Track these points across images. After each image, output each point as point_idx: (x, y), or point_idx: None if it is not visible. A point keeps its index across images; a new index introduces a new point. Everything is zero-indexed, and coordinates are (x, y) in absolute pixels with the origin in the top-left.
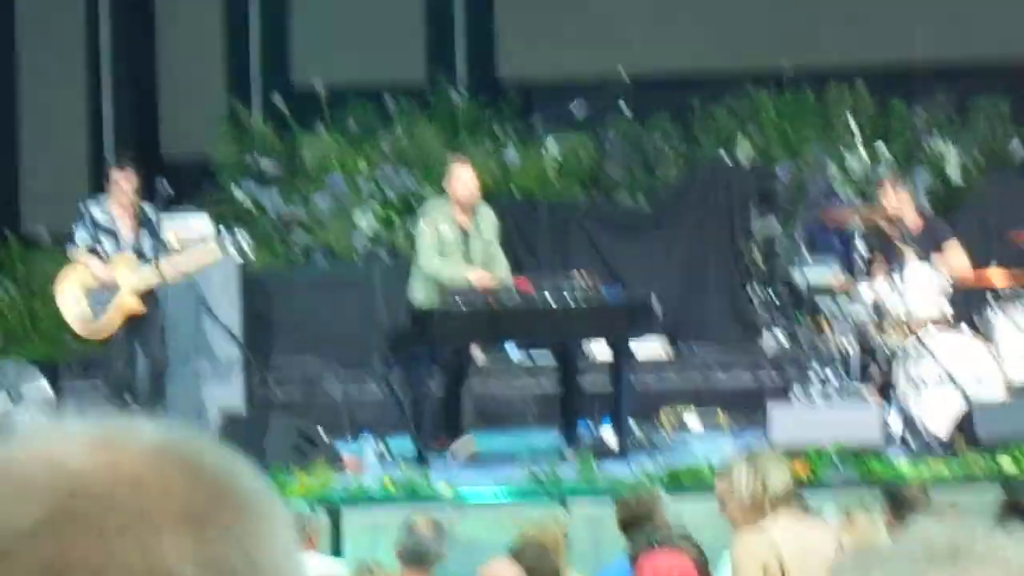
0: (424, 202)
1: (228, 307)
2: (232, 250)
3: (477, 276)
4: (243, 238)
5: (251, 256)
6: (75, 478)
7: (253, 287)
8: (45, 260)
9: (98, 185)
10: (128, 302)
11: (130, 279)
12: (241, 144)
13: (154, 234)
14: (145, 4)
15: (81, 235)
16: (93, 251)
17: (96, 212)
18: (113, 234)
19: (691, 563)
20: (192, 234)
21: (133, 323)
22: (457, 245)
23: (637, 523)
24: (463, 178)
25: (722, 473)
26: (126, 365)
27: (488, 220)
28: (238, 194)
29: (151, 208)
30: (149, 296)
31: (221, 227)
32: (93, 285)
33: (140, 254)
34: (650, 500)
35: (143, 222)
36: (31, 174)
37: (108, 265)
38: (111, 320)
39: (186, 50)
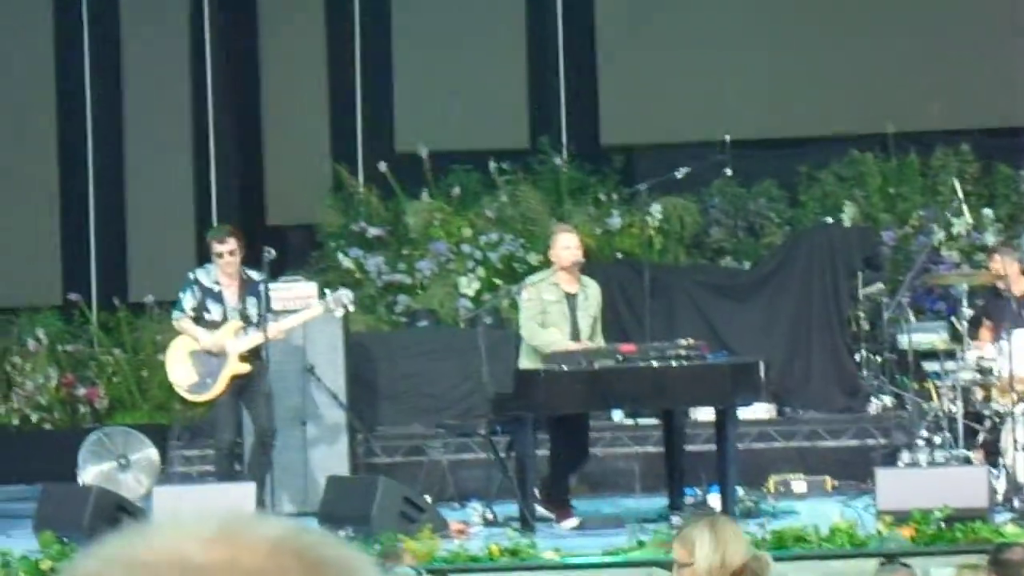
0: (527, 267)
1: (333, 372)
2: (335, 308)
3: (583, 346)
4: (346, 296)
5: (351, 309)
6: (200, 573)
7: (358, 351)
8: (152, 328)
9: (204, 255)
10: (234, 366)
11: (236, 344)
12: (346, 210)
13: (260, 297)
14: (252, 72)
15: (188, 302)
16: (199, 318)
17: (203, 279)
18: (220, 300)
19: None
20: (298, 301)
21: (240, 388)
22: (563, 313)
23: None
24: (567, 244)
25: (683, 539)
26: (234, 431)
27: (594, 295)
28: (344, 260)
29: (257, 272)
30: (256, 360)
31: (326, 289)
32: (200, 351)
33: (246, 319)
34: (756, 566)
35: (249, 287)
36: (138, 243)
37: (215, 331)
38: (218, 385)
39: (292, 118)
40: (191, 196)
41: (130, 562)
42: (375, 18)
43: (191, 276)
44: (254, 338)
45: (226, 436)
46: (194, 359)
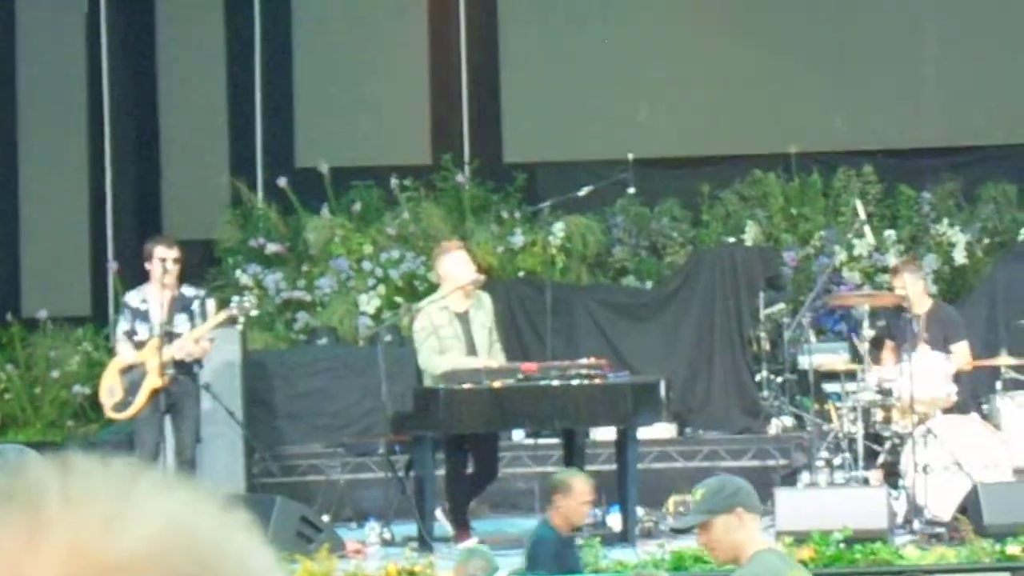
0: (428, 285)
1: (230, 389)
2: (240, 313)
3: (483, 363)
4: (249, 302)
5: (254, 314)
6: None
7: (255, 369)
8: (45, 344)
9: (99, 269)
10: (152, 381)
11: (154, 360)
12: (245, 226)
13: (192, 314)
14: (149, 84)
15: (120, 326)
16: (131, 336)
17: (131, 301)
18: (146, 319)
19: None
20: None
21: (168, 407)
22: (455, 336)
23: None
24: (457, 261)
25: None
26: (152, 452)
27: (484, 304)
28: (241, 276)
29: (193, 289)
30: (186, 380)
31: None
32: (126, 369)
33: (170, 335)
34: None
35: (179, 304)
36: (32, 258)
37: (138, 351)
38: (137, 401)
39: (190, 131)
40: (86, 211)
41: None
42: (275, 32)
43: (123, 300)
44: (170, 350)
45: (144, 455)
46: (122, 378)
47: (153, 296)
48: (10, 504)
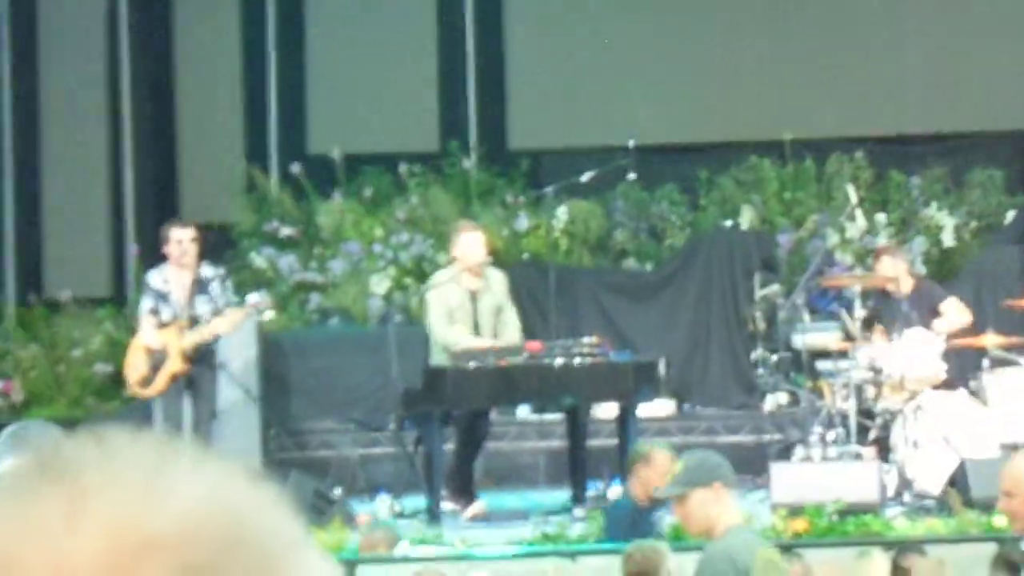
0: (437, 267)
1: (246, 367)
2: (253, 314)
3: (488, 343)
4: (263, 300)
5: (269, 316)
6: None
7: (270, 348)
8: (68, 324)
9: (119, 251)
10: (174, 365)
11: (176, 344)
12: (260, 211)
13: (210, 295)
14: (166, 73)
15: (144, 304)
16: (155, 314)
17: (153, 281)
18: (168, 301)
19: None
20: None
21: (188, 390)
22: (466, 312)
23: None
24: (471, 242)
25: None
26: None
27: (498, 282)
28: (256, 259)
29: (212, 269)
30: (204, 365)
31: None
32: (154, 348)
33: (193, 319)
34: (655, 556)
35: (200, 286)
36: (54, 240)
37: (160, 332)
38: (157, 382)
39: (207, 118)
40: (106, 195)
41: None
42: (289, 22)
43: (145, 279)
44: (192, 336)
45: (164, 430)
46: (147, 355)
47: (174, 277)
48: (50, 480)
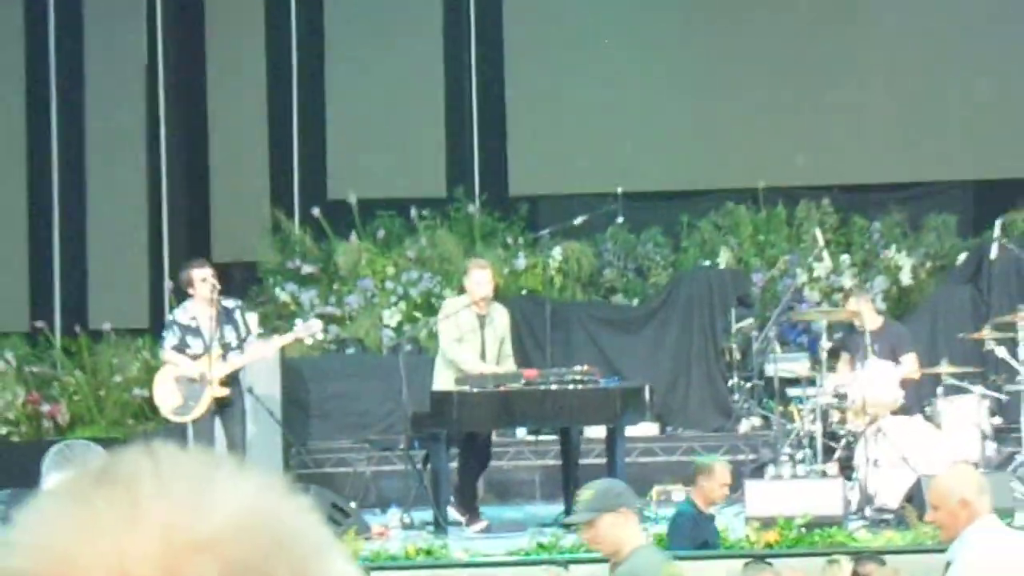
0: (443, 301)
1: (270, 392)
2: (307, 335)
3: (490, 369)
4: (316, 325)
5: (319, 338)
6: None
7: (292, 374)
8: (109, 352)
9: (157, 286)
10: (214, 390)
11: (215, 371)
12: (283, 251)
13: (236, 324)
14: (200, 125)
15: (168, 340)
16: (180, 351)
17: (181, 318)
18: (198, 334)
19: None
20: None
21: (219, 410)
22: (474, 333)
23: None
24: (480, 278)
25: None
26: (205, 443)
27: (501, 317)
28: (280, 294)
29: (231, 301)
30: (234, 385)
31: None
32: (183, 377)
33: (225, 346)
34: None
35: (224, 316)
36: (98, 277)
37: (196, 362)
38: (199, 407)
39: (235, 169)
40: (145, 236)
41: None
42: (310, 80)
43: (170, 318)
44: (233, 361)
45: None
46: (178, 384)
47: (200, 312)
48: (106, 487)
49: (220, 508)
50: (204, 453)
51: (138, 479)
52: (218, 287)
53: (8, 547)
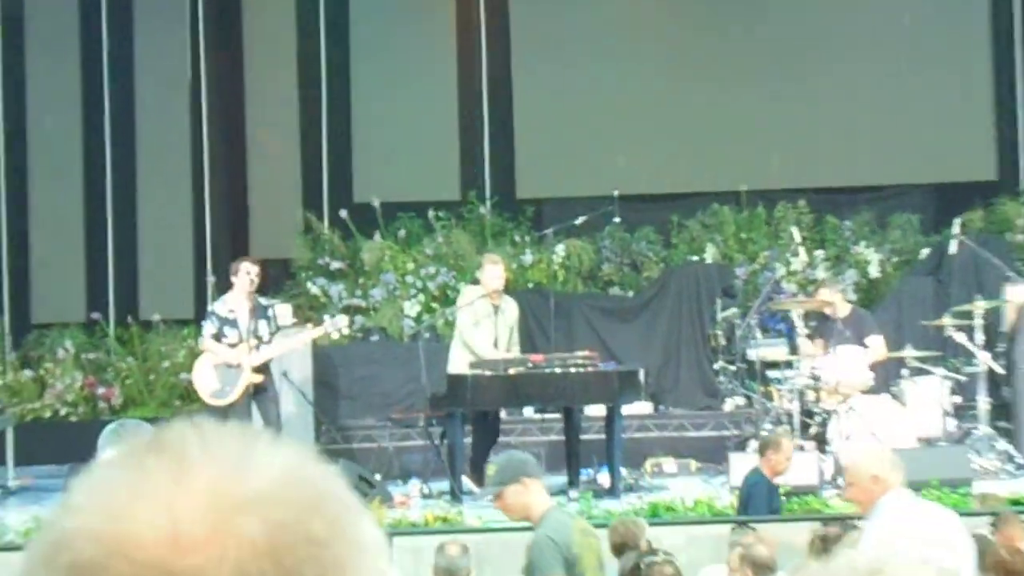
0: (458, 294)
1: (303, 376)
2: (332, 330)
3: (501, 355)
4: (342, 321)
5: (345, 332)
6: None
7: (323, 360)
8: (158, 341)
9: (201, 281)
10: (249, 376)
11: (251, 358)
12: (314, 249)
13: (269, 319)
14: (239, 135)
15: (207, 329)
16: (217, 340)
17: (219, 310)
18: (235, 325)
19: None
20: (279, 319)
21: (253, 394)
22: (489, 319)
23: (626, 548)
24: (493, 272)
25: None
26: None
27: (512, 309)
28: (312, 288)
29: (265, 299)
30: (266, 372)
31: (327, 315)
32: (221, 364)
33: (258, 338)
34: (636, 528)
35: (259, 312)
36: (148, 273)
37: (233, 350)
38: (236, 392)
39: (271, 175)
40: (190, 236)
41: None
42: (338, 96)
43: (210, 309)
44: (266, 352)
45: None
46: (216, 371)
47: (239, 305)
48: (155, 453)
49: (260, 472)
50: (242, 427)
51: (185, 447)
52: (256, 283)
53: (67, 509)
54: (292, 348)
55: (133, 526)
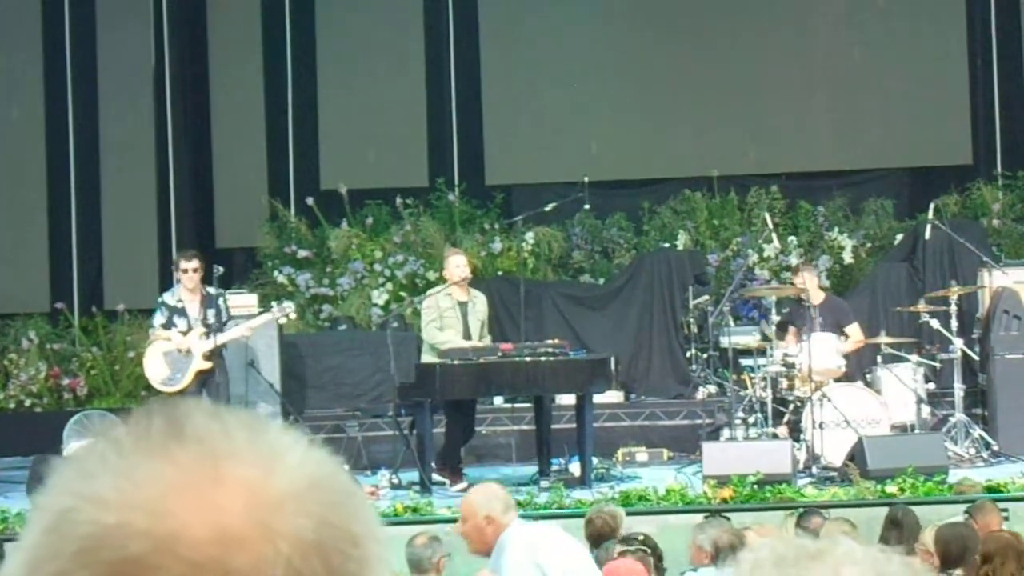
0: (427, 282)
1: (270, 366)
2: (280, 315)
3: (471, 344)
4: (289, 307)
5: (292, 318)
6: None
7: (290, 350)
8: (123, 331)
9: (165, 272)
10: (199, 364)
11: (200, 345)
12: (280, 237)
13: (218, 308)
14: (204, 122)
15: (157, 319)
16: (167, 329)
17: (168, 300)
18: (184, 314)
19: (644, 569)
20: (242, 308)
21: (203, 381)
22: (456, 317)
23: (602, 539)
24: (457, 263)
25: None
26: None
27: (482, 304)
28: (278, 276)
29: (214, 289)
30: (217, 359)
31: (273, 301)
32: (172, 352)
33: (207, 326)
34: (613, 519)
35: (208, 301)
36: (112, 262)
37: (184, 337)
38: (186, 378)
39: (236, 162)
40: (155, 224)
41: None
42: (304, 81)
43: (159, 299)
44: (217, 339)
45: None
46: (166, 359)
47: (186, 296)
48: (185, 444)
49: (289, 468)
50: (246, 414)
51: (211, 439)
52: (195, 280)
53: (100, 504)
54: (241, 335)
55: (181, 524)
